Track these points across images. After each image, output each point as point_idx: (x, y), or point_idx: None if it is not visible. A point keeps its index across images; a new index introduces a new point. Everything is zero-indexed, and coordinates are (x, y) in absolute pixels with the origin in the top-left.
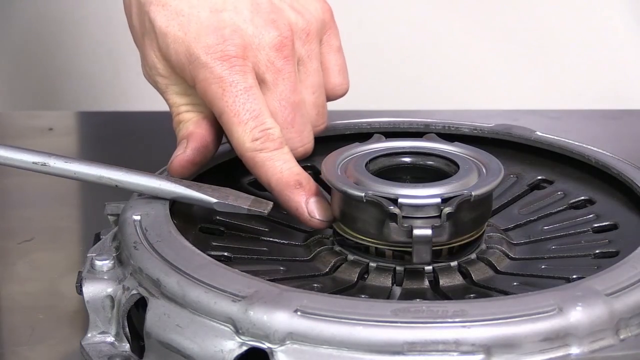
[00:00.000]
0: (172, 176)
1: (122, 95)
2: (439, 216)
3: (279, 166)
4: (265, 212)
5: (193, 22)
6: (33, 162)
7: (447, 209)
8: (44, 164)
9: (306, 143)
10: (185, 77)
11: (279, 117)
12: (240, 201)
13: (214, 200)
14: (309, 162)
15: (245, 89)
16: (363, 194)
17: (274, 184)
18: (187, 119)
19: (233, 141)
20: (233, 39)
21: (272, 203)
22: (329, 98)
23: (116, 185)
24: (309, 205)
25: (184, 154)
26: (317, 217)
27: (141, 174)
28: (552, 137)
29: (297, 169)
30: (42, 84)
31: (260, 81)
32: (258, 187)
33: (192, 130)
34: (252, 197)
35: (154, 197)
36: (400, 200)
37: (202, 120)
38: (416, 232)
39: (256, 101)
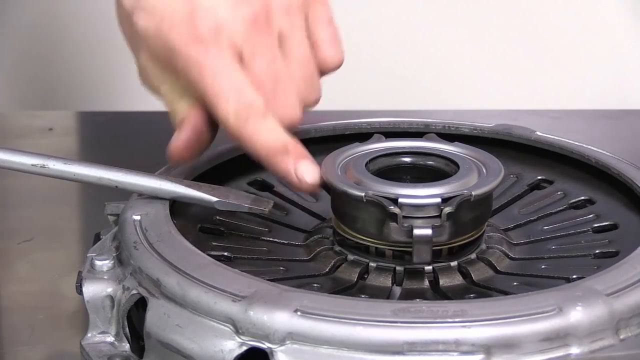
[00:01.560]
0: (172, 162)
1: (122, 95)
2: (439, 216)
3: (264, 136)
4: (266, 210)
5: (167, 15)
6: (32, 164)
7: (447, 209)
8: (43, 166)
9: (291, 116)
10: (172, 71)
11: (259, 92)
12: (241, 200)
13: (215, 199)
14: None
15: (223, 67)
16: (363, 194)
17: (261, 154)
18: (181, 105)
19: (218, 119)
20: (204, 22)
21: (272, 202)
22: (323, 72)
23: (116, 186)
24: (297, 170)
25: (179, 134)
26: (307, 180)
27: (141, 174)
28: (552, 137)
29: (283, 136)
30: (42, 84)
31: (239, 59)
32: (258, 187)
33: (187, 112)
34: (253, 195)
35: (153, 197)
36: (400, 200)
37: (196, 102)
38: (416, 231)
39: (234, 76)
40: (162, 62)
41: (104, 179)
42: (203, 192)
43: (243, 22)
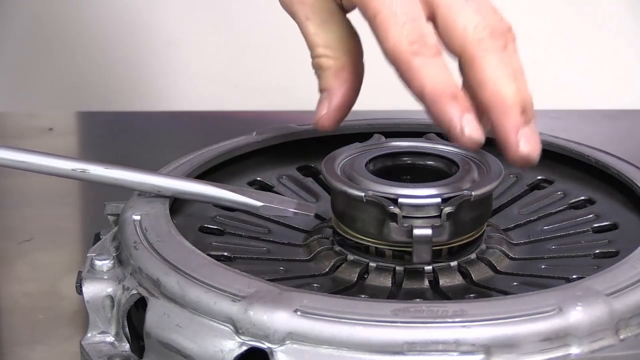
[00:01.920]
0: (320, 131)
1: (122, 95)
2: (439, 216)
3: (436, 74)
4: (312, 214)
5: None
6: (72, 169)
7: (447, 209)
8: (83, 171)
9: (491, 23)
10: None
11: (453, 7)
12: (286, 204)
13: (260, 204)
14: (307, 163)
15: None
16: (363, 194)
17: (428, 91)
18: (325, 67)
19: (388, 43)
20: None
21: (315, 206)
22: None
23: (158, 191)
24: (462, 121)
25: (328, 113)
26: (470, 134)
27: (184, 179)
28: (552, 137)
29: (453, 81)
30: (42, 84)
31: None
32: (257, 188)
33: (332, 85)
34: (296, 200)
35: (156, 196)
36: (400, 200)
37: (341, 71)
38: (416, 232)
39: (414, 6)
40: None
41: (145, 185)
42: (247, 196)
43: None
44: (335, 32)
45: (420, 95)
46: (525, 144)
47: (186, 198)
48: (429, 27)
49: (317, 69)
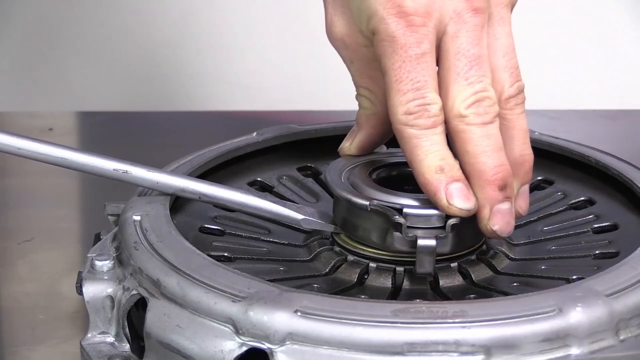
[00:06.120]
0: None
1: (124, 95)
2: (444, 227)
3: (426, 147)
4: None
5: None
6: (114, 169)
7: (451, 221)
8: (125, 172)
9: (479, 98)
10: (366, 35)
11: (452, 71)
12: (326, 219)
13: (301, 217)
14: (307, 163)
15: (417, 55)
16: (368, 203)
17: (415, 164)
18: (362, 106)
19: (388, 106)
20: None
21: None
22: None
23: (199, 198)
24: (448, 191)
25: (349, 148)
26: (456, 205)
27: (225, 187)
28: (552, 137)
29: (444, 153)
30: (42, 84)
31: (442, 34)
32: (258, 188)
33: (362, 124)
34: (331, 214)
35: (159, 194)
36: (405, 210)
37: (373, 116)
38: (420, 242)
39: (424, 72)
40: (359, 24)
41: (187, 190)
42: (288, 208)
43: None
44: (376, 78)
45: (409, 165)
46: (497, 220)
47: (227, 206)
48: (433, 96)
49: (358, 100)
